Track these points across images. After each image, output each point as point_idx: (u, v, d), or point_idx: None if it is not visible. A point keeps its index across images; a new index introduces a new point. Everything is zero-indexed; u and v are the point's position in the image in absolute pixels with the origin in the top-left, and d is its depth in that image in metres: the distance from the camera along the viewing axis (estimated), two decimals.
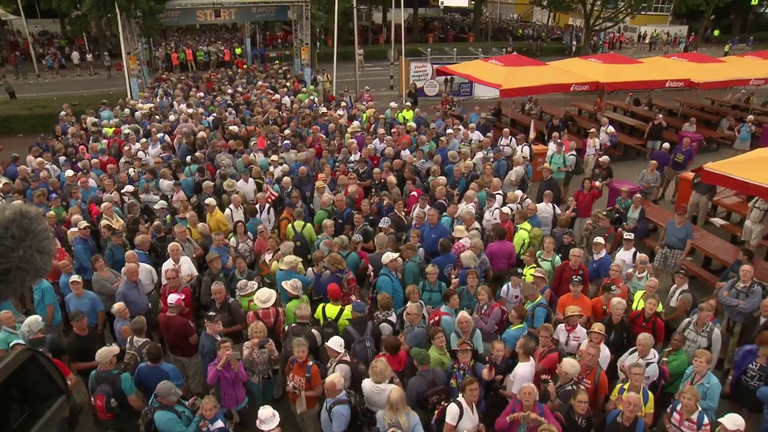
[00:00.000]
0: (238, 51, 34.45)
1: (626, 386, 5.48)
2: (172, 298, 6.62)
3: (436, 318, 6.73)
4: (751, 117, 16.61)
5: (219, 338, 6.15)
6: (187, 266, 7.89)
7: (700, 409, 5.17)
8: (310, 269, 7.98)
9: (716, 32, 45.11)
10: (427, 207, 9.27)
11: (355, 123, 14.57)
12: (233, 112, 16.13)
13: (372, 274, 7.88)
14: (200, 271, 8.09)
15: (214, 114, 15.61)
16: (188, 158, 11.91)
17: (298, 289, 7.05)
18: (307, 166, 11.13)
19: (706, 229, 10.80)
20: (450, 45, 36.86)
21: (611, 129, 14.87)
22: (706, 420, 5.09)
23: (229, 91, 19.59)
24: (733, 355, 6.97)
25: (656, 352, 6.11)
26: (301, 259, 7.96)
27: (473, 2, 44.42)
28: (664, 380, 6.08)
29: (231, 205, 9.58)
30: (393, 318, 6.83)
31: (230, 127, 13.98)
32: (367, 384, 5.50)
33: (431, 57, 25.18)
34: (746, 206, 10.61)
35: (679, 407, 5.25)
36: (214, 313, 6.47)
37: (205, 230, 8.89)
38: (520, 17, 52.67)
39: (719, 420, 4.93)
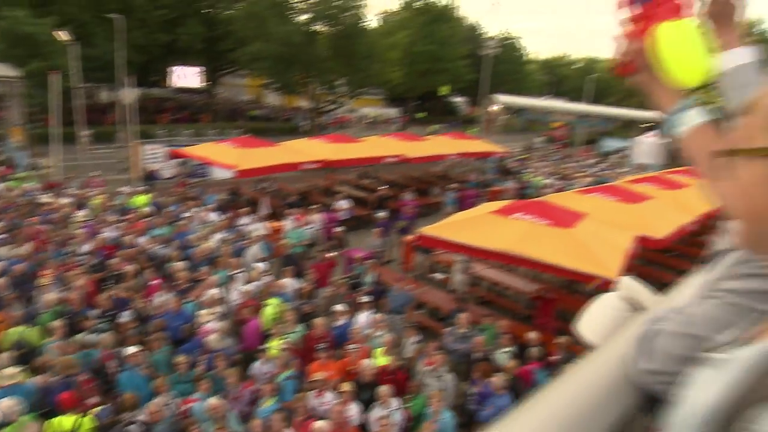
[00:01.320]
0: None
1: None
2: None
3: (185, 408, 6.50)
4: (453, 185, 19.83)
5: None
6: None
7: None
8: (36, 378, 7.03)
9: (421, 114, 53.06)
10: (169, 294, 8.97)
11: (83, 211, 13.46)
12: None
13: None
14: None
15: None
16: None
17: (16, 412, 6.15)
18: (28, 263, 9.90)
19: (430, 284, 12.44)
20: (184, 126, 36.51)
21: (343, 204, 16.27)
22: None
23: None
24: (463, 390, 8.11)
25: (398, 400, 6.82)
26: (21, 370, 6.98)
27: (206, 83, 44.98)
28: (409, 423, 6.81)
29: None
30: (143, 417, 6.39)
31: None
32: None
33: (165, 138, 24.69)
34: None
35: None
36: None
37: None
38: (253, 99, 54.75)
39: None
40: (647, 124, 38.33)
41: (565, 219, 9.76)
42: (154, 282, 9.60)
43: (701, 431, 0.69)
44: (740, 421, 0.62)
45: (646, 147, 33.37)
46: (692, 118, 1.12)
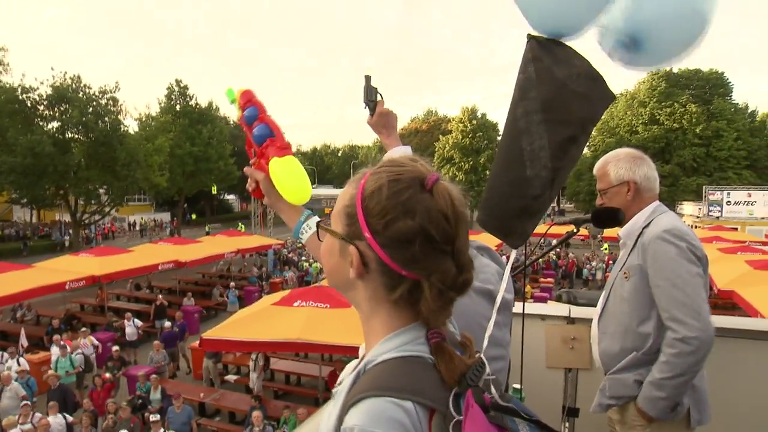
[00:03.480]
0: None
1: None
2: None
3: None
4: (232, 284, 19.72)
5: None
6: None
7: None
8: None
9: (194, 216, 51.95)
10: None
11: None
12: None
13: None
14: None
15: None
16: None
17: None
18: None
19: (224, 388, 12.06)
20: None
21: (137, 323, 14.99)
22: None
23: None
24: None
25: None
26: None
27: None
28: None
29: None
30: None
31: None
32: None
33: None
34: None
35: None
36: None
37: None
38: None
39: None
40: None
41: (342, 300, 10.42)
42: None
43: None
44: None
45: None
46: (308, 228, 1.48)
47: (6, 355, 12.19)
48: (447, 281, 0.88)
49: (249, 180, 1.55)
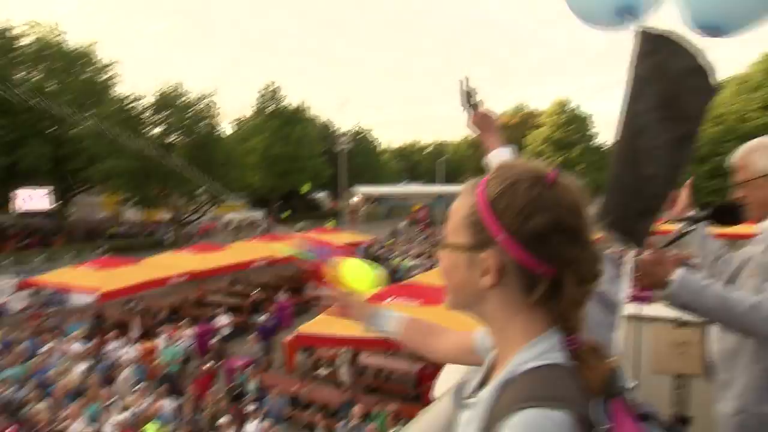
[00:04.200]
0: None
1: None
2: None
3: None
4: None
5: None
6: None
7: None
8: None
9: (286, 214, 53.68)
10: None
11: None
12: None
13: None
14: None
15: None
16: None
17: None
18: None
19: (316, 382, 12.45)
20: (35, 252, 33.74)
21: (223, 318, 15.81)
22: None
23: None
24: None
25: None
26: None
27: (56, 204, 42.22)
28: None
29: None
30: None
31: None
32: None
33: (12, 269, 22.71)
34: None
35: None
36: None
37: None
38: (111, 216, 52.14)
39: None
40: None
41: (435, 297, 10.40)
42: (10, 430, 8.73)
43: None
44: None
45: None
46: (389, 314, 1.64)
47: (120, 343, 13.24)
48: (584, 272, 0.90)
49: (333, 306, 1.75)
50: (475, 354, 1.29)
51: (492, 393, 0.90)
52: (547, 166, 0.95)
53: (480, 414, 0.89)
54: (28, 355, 12.31)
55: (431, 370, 11.03)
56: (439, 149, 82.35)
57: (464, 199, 0.97)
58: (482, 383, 1.01)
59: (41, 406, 9.43)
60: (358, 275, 1.64)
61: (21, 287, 19.82)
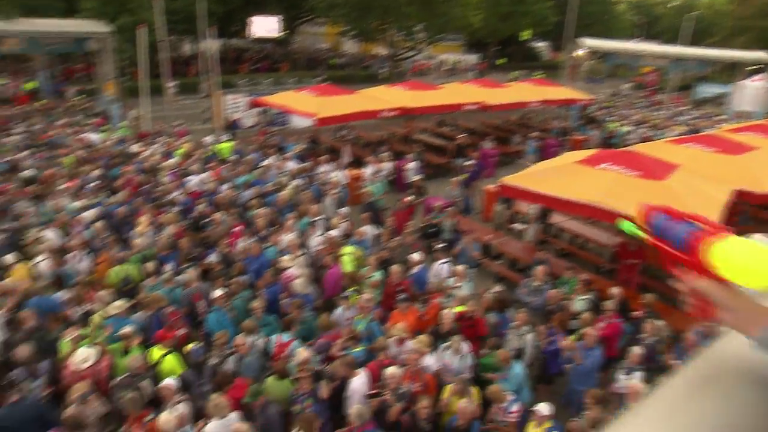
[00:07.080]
0: (28, 86, 30.64)
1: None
2: None
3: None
4: (535, 134, 19.02)
5: None
6: None
7: (509, 398, 5.79)
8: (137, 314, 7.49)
9: (501, 60, 51.05)
10: (250, 239, 9.20)
11: (171, 160, 13.93)
12: (31, 154, 14.51)
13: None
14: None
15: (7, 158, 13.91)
16: None
17: (132, 339, 6.60)
18: (124, 208, 10.42)
19: (510, 234, 12.10)
20: (264, 76, 36.97)
21: (412, 164, 15.76)
22: (513, 408, 5.71)
23: (17, 130, 17.56)
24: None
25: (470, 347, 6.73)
26: (128, 303, 7.45)
27: (284, 32, 45.13)
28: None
29: (40, 257, 8.57)
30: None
31: (25, 172, 12.55)
32: (210, 427, 5.31)
33: (246, 88, 25.03)
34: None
35: None
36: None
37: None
38: (331, 47, 54.58)
39: (532, 408, 5.60)
40: (754, 67, 34.93)
41: (656, 170, 9.07)
42: (237, 228, 9.85)
43: None
44: None
45: (750, 92, 30.43)
46: None
47: (330, 167, 14.03)
48: None
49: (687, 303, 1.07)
50: None
51: None
52: None
53: None
54: (254, 166, 13.66)
55: (636, 249, 9.80)
56: (689, 3, 69.51)
57: None
58: None
59: (262, 211, 10.44)
60: (748, 262, 0.97)
61: (252, 105, 21.87)
